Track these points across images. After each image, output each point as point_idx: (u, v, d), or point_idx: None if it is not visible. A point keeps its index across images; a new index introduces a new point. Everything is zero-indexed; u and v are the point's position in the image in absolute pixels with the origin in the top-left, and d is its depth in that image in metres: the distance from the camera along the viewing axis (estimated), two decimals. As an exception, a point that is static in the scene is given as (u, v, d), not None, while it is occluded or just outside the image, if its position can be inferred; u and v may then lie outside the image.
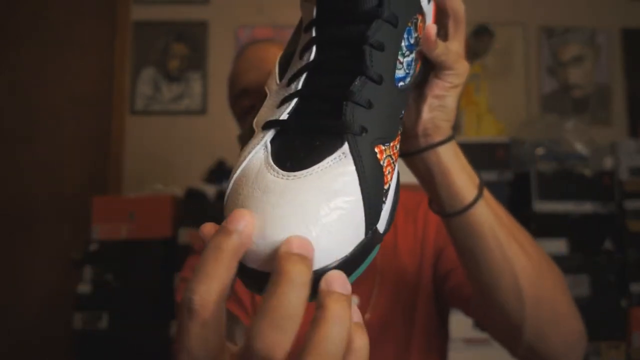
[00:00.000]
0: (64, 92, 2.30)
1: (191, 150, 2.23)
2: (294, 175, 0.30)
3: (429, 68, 0.45)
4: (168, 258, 1.76)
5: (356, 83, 0.32)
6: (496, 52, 2.33)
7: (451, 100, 0.47)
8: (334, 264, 0.29)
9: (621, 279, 1.77)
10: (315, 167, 0.30)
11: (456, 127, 0.53)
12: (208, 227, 0.30)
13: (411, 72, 0.37)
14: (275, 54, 0.80)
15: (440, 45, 0.42)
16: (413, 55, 0.37)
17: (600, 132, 2.15)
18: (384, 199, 0.33)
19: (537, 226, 1.76)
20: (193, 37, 2.31)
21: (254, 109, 0.76)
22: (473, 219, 0.50)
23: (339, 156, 0.30)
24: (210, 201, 1.82)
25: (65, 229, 2.19)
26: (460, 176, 0.49)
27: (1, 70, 2.32)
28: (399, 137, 0.36)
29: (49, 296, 2.15)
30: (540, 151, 1.90)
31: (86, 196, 1.92)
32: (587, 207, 1.79)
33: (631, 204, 1.81)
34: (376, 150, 0.32)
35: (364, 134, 0.32)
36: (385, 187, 0.33)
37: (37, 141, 2.29)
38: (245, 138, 0.36)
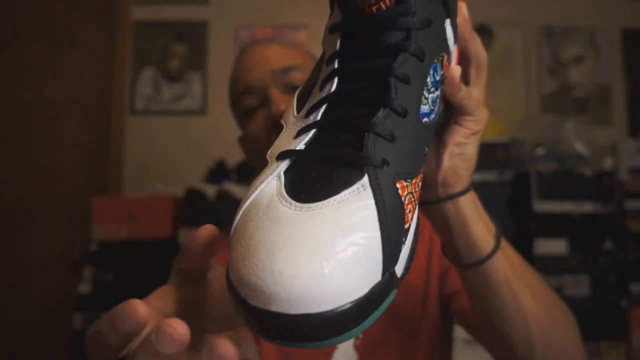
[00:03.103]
0: (64, 92, 2.30)
1: (191, 150, 2.22)
2: (308, 207, 0.28)
3: (448, 115, 0.44)
4: (168, 258, 1.76)
5: (379, 114, 0.31)
6: (496, 52, 2.33)
7: (471, 148, 0.46)
8: (347, 305, 0.26)
9: (621, 279, 1.77)
10: (332, 199, 0.28)
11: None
12: (208, 229, 0.31)
13: (436, 109, 0.36)
14: (277, 52, 0.77)
15: (463, 89, 0.41)
16: (438, 92, 0.36)
17: (600, 132, 2.15)
18: (403, 239, 0.30)
19: (537, 226, 1.76)
20: (193, 37, 2.31)
21: (256, 111, 0.75)
22: (489, 270, 0.49)
23: (358, 189, 0.29)
24: (210, 201, 1.82)
25: (65, 229, 2.19)
26: (478, 226, 0.48)
27: (1, 70, 2.32)
28: (422, 175, 0.34)
29: (49, 296, 2.15)
30: (540, 151, 1.89)
31: (86, 196, 1.92)
32: (587, 207, 1.78)
33: (631, 204, 1.81)
34: (397, 185, 0.30)
35: (385, 167, 0.30)
36: (406, 226, 0.31)
37: (37, 141, 2.29)
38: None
